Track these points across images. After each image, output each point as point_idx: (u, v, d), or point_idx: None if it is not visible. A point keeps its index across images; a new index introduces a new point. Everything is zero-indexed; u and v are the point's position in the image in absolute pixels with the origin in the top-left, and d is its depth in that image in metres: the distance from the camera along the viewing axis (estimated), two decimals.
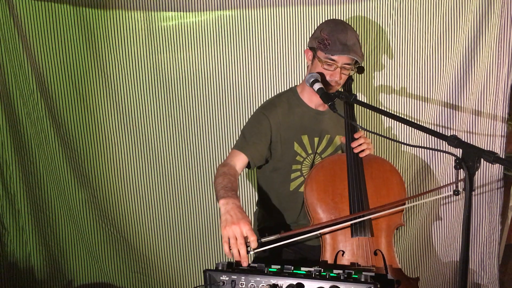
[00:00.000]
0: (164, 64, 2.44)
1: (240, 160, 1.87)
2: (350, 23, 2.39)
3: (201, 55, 2.44)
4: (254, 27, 2.42)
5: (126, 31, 2.37)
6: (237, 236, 1.45)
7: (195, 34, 2.42)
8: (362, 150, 1.89)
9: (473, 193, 2.64)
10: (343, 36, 1.81)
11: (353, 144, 1.88)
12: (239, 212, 1.51)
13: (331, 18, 2.40)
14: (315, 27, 1.96)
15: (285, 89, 2.10)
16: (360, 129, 1.91)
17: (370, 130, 2.53)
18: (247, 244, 1.46)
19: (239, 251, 1.44)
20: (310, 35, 1.96)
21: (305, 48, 1.99)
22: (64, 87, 2.39)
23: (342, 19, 2.41)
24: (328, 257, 1.73)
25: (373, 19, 2.45)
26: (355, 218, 1.73)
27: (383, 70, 2.53)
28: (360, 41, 1.92)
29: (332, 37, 1.81)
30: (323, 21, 1.97)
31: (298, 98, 2.01)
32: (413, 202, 2.31)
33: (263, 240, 1.56)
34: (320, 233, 1.75)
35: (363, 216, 1.73)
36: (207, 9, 2.39)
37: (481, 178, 2.69)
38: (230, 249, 1.46)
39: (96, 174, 2.52)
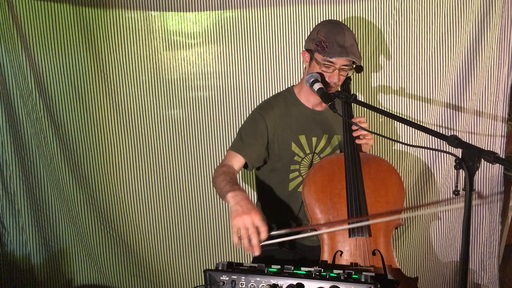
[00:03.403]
0: (164, 64, 2.43)
1: (237, 162, 1.87)
2: (350, 23, 2.40)
3: (200, 55, 2.44)
4: (254, 27, 2.42)
5: (126, 31, 2.37)
6: (248, 226, 1.45)
7: (195, 34, 2.42)
8: (359, 137, 1.86)
9: (473, 197, 2.64)
10: (341, 37, 1.80)
11: (354, 127, 1.86)
12: (249, 203, 1.53)
13: (329, 18, 2.40)
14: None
15: (283, 89, 2.09)
16: (359, 128, 1.90)
17: (370, 130, 2.52)
18: None
19: (250, 241, 1.44)
20: (307, 36, 1.95)
21: (303, 49, 1.98)
22: (63, 88, 2.39)
23: (341, 19, 2.41)
24: (327, 257, 1.73)
25: (373, 19, 2.45)
26: (359, 222, 1.72)
27: (383, 71, 2.52)
28: (360, 42, 1.91)
29: (330, 39, 1.80)
30: (320, 21, 1.96)
31: (295, 98, 2.01)
32: (413, 212, 2.30)
33: (272, 233, 1.56)
34: (327, 231, 1.74)
35: (365, 220, 1.72)
36: (207, 9, 2.39)
37: (481, 178, 2.69)
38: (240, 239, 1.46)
39: (95, 175, 2.51)
